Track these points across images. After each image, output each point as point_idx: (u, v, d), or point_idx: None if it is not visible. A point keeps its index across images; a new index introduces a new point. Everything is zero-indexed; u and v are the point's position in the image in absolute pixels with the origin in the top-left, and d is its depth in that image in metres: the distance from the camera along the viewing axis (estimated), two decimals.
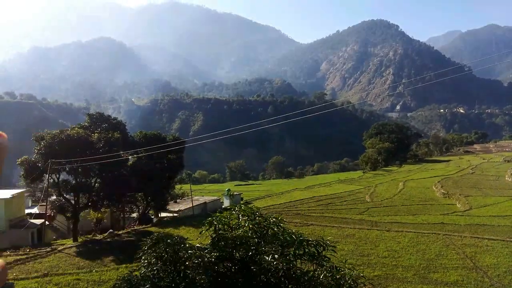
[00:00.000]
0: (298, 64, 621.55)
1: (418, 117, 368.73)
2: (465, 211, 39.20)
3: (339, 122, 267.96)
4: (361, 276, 10.75)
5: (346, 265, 11.66)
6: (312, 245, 10.45)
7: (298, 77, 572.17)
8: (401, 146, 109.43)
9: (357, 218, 36.42)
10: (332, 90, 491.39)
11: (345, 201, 48.61)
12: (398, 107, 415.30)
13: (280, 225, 11.32)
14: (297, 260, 10.58)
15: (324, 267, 10.41)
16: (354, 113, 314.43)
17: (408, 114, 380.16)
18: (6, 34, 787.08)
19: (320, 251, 10.39)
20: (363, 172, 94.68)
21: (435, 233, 29.35)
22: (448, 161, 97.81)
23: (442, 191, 50.42)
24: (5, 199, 33.20)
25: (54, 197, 36.28)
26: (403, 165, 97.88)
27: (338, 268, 10.54)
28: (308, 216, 37.30)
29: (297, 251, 10.16)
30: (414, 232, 29.81)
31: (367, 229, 31.33)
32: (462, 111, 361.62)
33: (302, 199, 50.30)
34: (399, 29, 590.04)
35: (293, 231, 11.43)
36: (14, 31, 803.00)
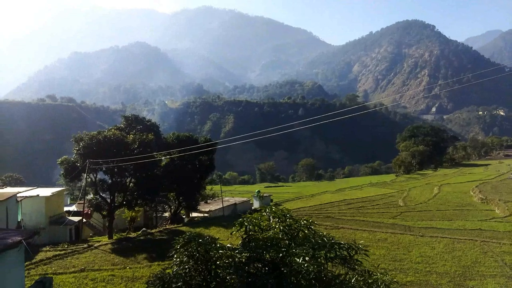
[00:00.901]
0: (330, 66, 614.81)
1: (455, 119, 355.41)
2: (504, 217, 37.39)
3: (371, 124, 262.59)
4: (394, 281, 10.54)
5: (379, 270, 11.45)
6: (344, 248, 10.33)
7: (329, 79, 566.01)
8: (436, 150, 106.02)
9: (389, 222, 35.56)
10: (364, 92, 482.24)
11: (377, 204, 47.55)
12: (433, 109, 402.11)
13: (311, 228, 11.27)
14: (328, 263, 10.48)
15: (356, 271, 10.27)
16: (387, 116, 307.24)
17: (445, 117, 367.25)
18: (48, 40, 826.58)
19: (352, 254, 10.26)
20: (396, 176, 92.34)
21: (472, 240, 28.20)
22: (486, 165, 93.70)
23: (480, 196, 48.33)
24: (46, 197, 34.79)
25: (91, 195, 37.67)
26: (438, 169, 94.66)
27: (370, 273, 10.37)
28: (339, 219, 36.79)
29: (329, 254, 10.07)
30: (450, 238, 28.76)
31: (400, 233, 30.53)
32: (502, 113, 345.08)
33: (333, 202, 49.65)
34: (435, 29, 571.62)
35: (324, 233, 11.35)
36: (56, 37, 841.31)
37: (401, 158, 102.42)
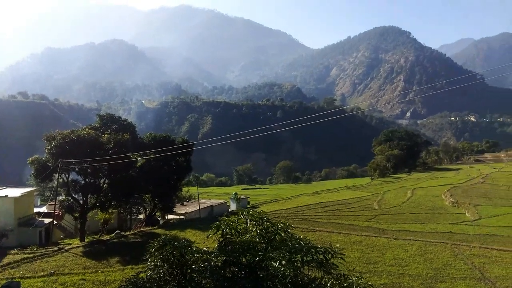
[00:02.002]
0: (308, 69, 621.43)
1: (428, 124, 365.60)
2: (474, 220, 38.64)
3: (348, 128, 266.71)
4: (369, 285, 10.62)
5: (354, 273, 11.53)
6: (320, 252, 10.35)
7: (308, 82, 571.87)
8: (410, 154, 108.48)
9: (364, 225, 36.11)
10: (342, 96, 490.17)
11: (352, 207, 48.24)
12: (408, 114, 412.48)
13: (287, 231, 11.26)
14: (305, 267, 10.48)
15: (332, 274, 10.31)
16: (364, 120, 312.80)
17: (418, 122, 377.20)
18: (19, 35, 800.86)
19: (328, 258, 10.29)
20: (371, 179, 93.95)
21: (443, 242, 28.97)
22: (458, 169, 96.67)
23: (451, 200, 49.79)
24: (15, 198, 33.50)
25: (63, 196, 36.58)
26: (412, 173, 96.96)
27: (345, 276, 10.42)
28: (315, 222, 37.08)
29: (305, 258, 10.07)
30: (422, 241, 29.46)
31: (374, 236, 31.03)
32: (473, 119, 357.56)
33: (309, 205, 50.03)
34: (411, 36, 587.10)
35: (301, 237, 11.35)
36: (28, 32, 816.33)
37: (376, 161, 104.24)
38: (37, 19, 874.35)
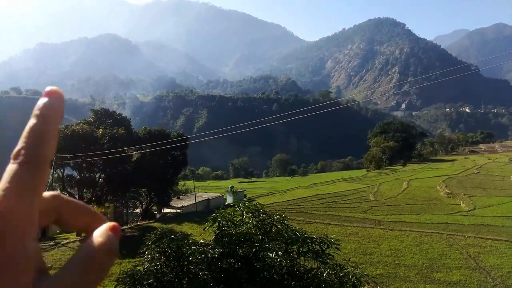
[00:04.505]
0: (303, 62, 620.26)
1: (423, 116, 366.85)
2: (469, 211, 38.97)
3: (343, 120, 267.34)
4: (365, 274, 10.72)
5: (350, 263, 11.64)
6: (316, 243, 10.44)
7: (303, 75, 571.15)
8: (405, 145, 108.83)
9: (360, 216, 36.33)
10: (337, 88, 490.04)
11: (348, 199, 48.46)
12: (403, 106, 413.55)
13: (284, 223, 11.32)
14: (301, 257, 10.57)
15: (328, 264, 10.40)
16: (359, 112, 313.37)
17: (414, 113, 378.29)
18: (12, 29, 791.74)
19: (324, 248, 10.38)
20: (367, 171, 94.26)
21: (438, 233, 29.22)
22: (453, 160, 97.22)
23: (447, 190, 50.16)
24: None
25: (58, 191, 36.48)
26: (407, 164, 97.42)
27: (342, 266, 10.51)
28: (311, 214, 37.25)
29: (301, 249, 10.16)
30: (418, 232, 29.69)
31: (370, 227, 31.25)
32: (468, 110, 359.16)
33: (305, 197, 50.19)
34: (405, 28, 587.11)
35: (297, 228, 11.42)
36: (20, 27, 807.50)
37: (372, 153, 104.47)
38: (29, 14, 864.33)
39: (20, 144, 0.50)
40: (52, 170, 32.97)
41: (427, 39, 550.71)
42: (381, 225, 32.45)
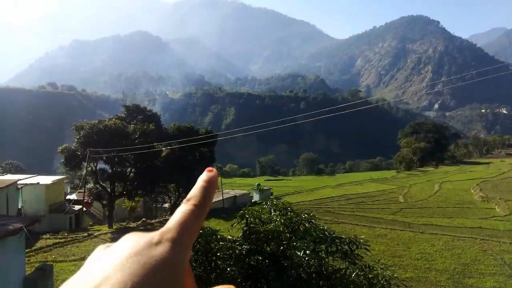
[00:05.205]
0: (333, 60, 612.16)
1: (457, 116, 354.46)
2: (504, 216, 37.34)
3: (373, 120, 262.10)
4: (395, 277, 10.49)
5: (379, 265, 11.41)
6: (345, 243, 10.31)
7: (332, 73, 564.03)
8: (438, 147, 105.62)
9: (389, 218, 35.56)
10: (366, 87, 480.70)
11: (377, 200, 47.54)
12: (436, 106, 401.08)
13: (312, 221, 11.24)
14: (329, 257, 10.46)
15: (357, 265, 10.25)
16: (389, 111, 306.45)
17: (447, 114, 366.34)
18: (48, 26, 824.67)
19: (353, 249, 10.23)
20: (397, 172, 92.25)
21: (472, 238, 28.18)
22: (488, 163, 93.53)
23: (481, 194, 48.27)
24: (46, 185, 34.74)
25: (91, 184, 37.67)
26: (439, 166, 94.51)
27: (371, 267, 10.34)
28: (339, 214, 36.80)
29: (330, 248, 10.05)
30: (450, 236, 28.75)
31: (400, 230, 30.54)
32: (504, 111, 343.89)
33: (333, 197, 49.64)
34: (439, 25, 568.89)
35: (325, 228, 11.31)
36: (56, 23, 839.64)
37: (402, 154, 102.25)
38: (65, 12, 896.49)
39: (191, 194, 0.66)
40: (86, 164, 34.12)
41: (462, 38, 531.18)
42: (411, 227, 31.66)
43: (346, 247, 10.32)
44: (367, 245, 10.54)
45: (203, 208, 0.64)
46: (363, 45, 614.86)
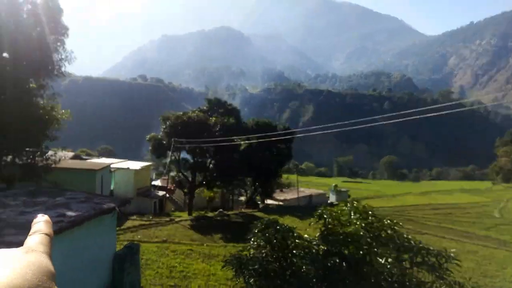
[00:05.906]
0: (422, 58, 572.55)
1: None
2: None
3: (466, 124, 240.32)
4: None
5: (470, 283, 10.36)
6: (432, 255, 9.53)
7: (420, 73, 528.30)
8: None
9: (481, 234, 32.33)
10: (460, 88, 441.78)
11: (467, 213, 43.48)
12: None
13: (395, 228, 10.59)
14: (414, 268, 9.79)
15: (445, 280, 9.42)
16: (486, 116, 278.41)
17: None
18: (142, 23, 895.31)
19: (441, 262, 9.42)
20: (493, 183, 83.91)
21: None
22: None
23: None
24: (135, 170, 37.66)
25: (174, 173, 39.88)
26: None
27: (461, 284, 9.43)
28: (423, 224, 34.43)
29: (415, 259, 9.39)
30: None
31: (493, 248, 27.61)
32: None
33: (417, 205, 46.63)
34: None
35: (410, 236, 10.57)
36: (149, 20, 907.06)
37: (500, 164, 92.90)
38: (156, 8, 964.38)
39: (35, 229, 0.76)
40: (170, 153, 36.21)
41: None
42: (507, 246, 28.41)
43: (434, 259, 9.53)
44: (457, 260, 9.61)
45: (50, 236, 0.75)
46: (458, 42, 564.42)
